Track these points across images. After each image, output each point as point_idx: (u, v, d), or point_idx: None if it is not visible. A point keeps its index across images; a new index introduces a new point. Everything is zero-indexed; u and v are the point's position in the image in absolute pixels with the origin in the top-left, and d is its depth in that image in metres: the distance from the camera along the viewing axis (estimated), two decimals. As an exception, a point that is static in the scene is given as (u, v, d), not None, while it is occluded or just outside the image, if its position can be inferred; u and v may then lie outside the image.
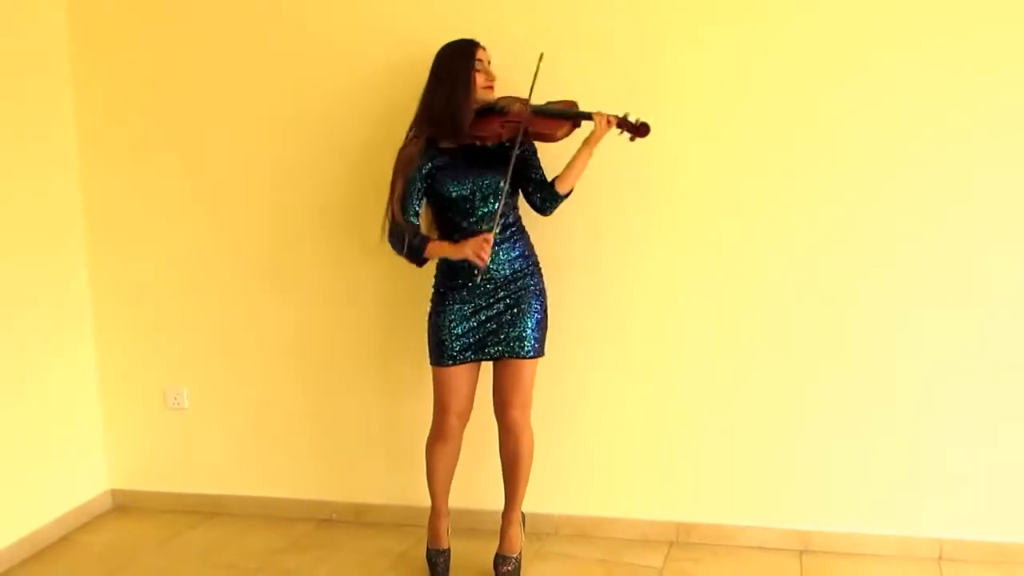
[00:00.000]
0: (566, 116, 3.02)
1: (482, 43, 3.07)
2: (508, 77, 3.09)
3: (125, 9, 3.68)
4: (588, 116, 3.00)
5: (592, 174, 3.12)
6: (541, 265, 3.17)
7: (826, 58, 3.16)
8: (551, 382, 3.44)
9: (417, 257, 3.07)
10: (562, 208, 3.12)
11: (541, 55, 2.93)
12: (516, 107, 3.02)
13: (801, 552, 3.34)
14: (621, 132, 3.00)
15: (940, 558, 3.25)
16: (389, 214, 3.07)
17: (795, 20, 3.17)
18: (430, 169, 3.05)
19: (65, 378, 3.73)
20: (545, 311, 3.12)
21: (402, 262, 3.17)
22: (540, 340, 3.09)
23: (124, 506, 3.92)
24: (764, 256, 3.29)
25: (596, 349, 3.45)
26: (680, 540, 3.45)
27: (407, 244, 3.05)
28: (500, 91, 3.09)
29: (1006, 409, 3.18)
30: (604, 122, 2.98)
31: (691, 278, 3.35)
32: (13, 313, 3.45)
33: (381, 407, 3.65)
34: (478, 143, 3.03)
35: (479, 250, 2.94)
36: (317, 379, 3.71)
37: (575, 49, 3.30)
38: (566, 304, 3.40)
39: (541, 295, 3.11)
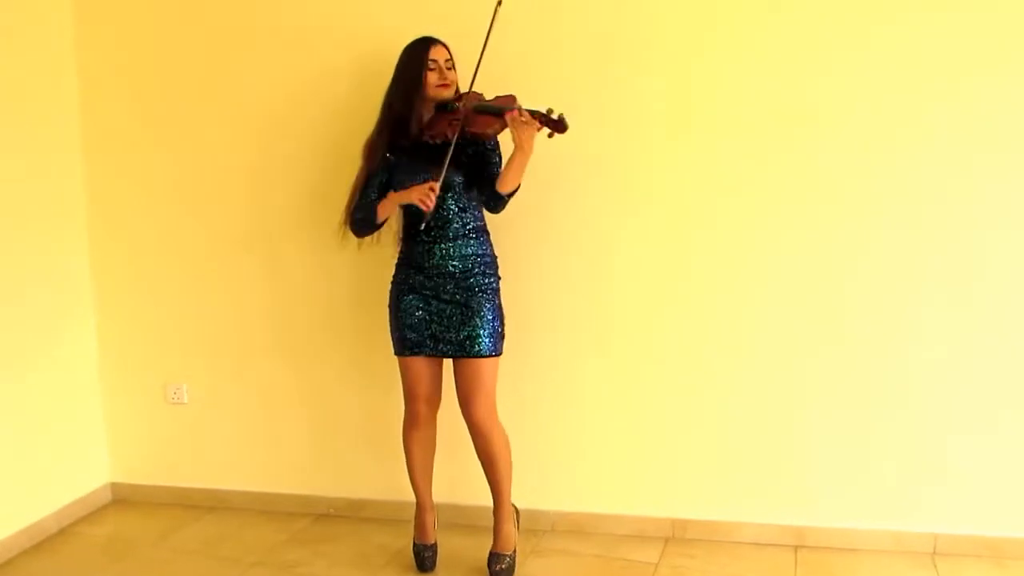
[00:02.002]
0: (494, 112, 3.00)
1: (444, 41, 3.09)
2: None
3: (130, 2, 3.72)
4: (507, 110, 2.94)
5: (578, 159, 3.14)
6: (526, 263, 3.22)
7: (823, 49, 3.19)
8: (545, 379, 3.47)
9: (371, 219, 3.11)
10: (554, 197, 3.14)
11: (499, 3, 2.93)
12: (461, 104, 3.04)
13: (796, 547, 3.35)
14: (539, 128, 2.92)
15: (934, 552, 3.27)
16: (348, 203, 3.16)
17: (792, 10, 3.19)
18: (391, 162, 3.11)
19: (67, 372, 3.76)
20: (499, 311, 3.12)
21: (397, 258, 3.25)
22: (493, 339, 3.08)
23: (124, 499, 3.94)
24: (758, 252, 3.31)
25: (591, 345, 3.46)
26: (676, 536, 3.46)
27: (360, 213, 3.12)
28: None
29: (1001, 403, 3.20)
30: (519, 117, 2.90)
31: (686, 274, 3.37)
32: (15, 307, 3.47)
33: (379, 403, 3.66)
34: (430, 141, 3.06)
35: (424, 196, 2.96)
36: (316, 375, 3.73)
37: (560, 42, 3.33)
38: (559, 300, 3.43)
39: (494, 295, 3.11)
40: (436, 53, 3.07)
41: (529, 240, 3.28)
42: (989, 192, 3.14)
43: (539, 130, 2.92)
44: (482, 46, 2.94)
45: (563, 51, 3.33)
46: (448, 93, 3.09)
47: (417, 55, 3.07)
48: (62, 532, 3.64)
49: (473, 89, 3.05)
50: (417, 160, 3.07)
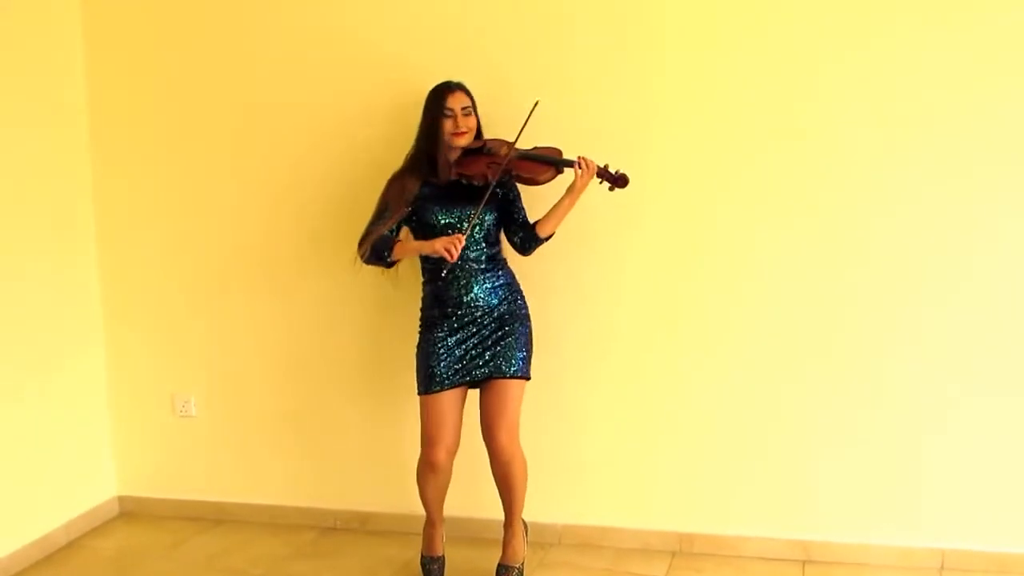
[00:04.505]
0: (550, 162, 3.10)
1: (465, 85, 3.13)
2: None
3: (139, 8, 3.73)
4: (570, 163, 3.07)
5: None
6: (531, 280, 3.25)
7: (816, 56, 3.20)
8: (553, 393, 3.47)
9: (382, 254, 3.10)
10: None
11: (536, 102, 3.05)
12: (503, 150, 3.11)
13: (803, 562, 3.34)
14: (601, 182, 3.08)
15: (942, 568, 3.26)
16: (365, 233, 3.13)
17: (788, 17, 3.20)
18: (416, 196, 3.13)
19: (74, 385, 3.77)
20: (530, 335, 3.17)
21: (407, 274, 3.28)
22: (526, 362, 3.14)
23: (131, 512, 3.95)
24: (764, 265, 3.31)
25: (598, 359, 3.47)
26: (683, 550, 3.46)
27: (373, 244, 3.09)
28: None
29: (1008, 418, 3.19)
30: (586, 170, 3.04)
31: (692, 289, 3.37)
32: (23, 319, 3.49)
33: (386, 417, 3.67)
34: (464, 181, 3.11)
35: (450, 245, 2.98)
36: (323, 389, 3.74)
37: (563, 51, 3.35)
38: (563, 316, 3.43)
39: (526, 319, 3.18)
40: (452, 101, 3.10)
41: (536, 257, 3.28)
42: (992, 202, 3.13)
43: (600, 183, 3.07)
44: (521, 128, 3.05)
45: (566, 60, 3.35)
46: (463, 141, 3.13)
47: (436, 102, 3.11)
48: (70, 545, 3.65)
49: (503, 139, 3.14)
50: (451, 197, 3.12)
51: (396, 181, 3.15)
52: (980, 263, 3.16)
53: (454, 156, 3.16)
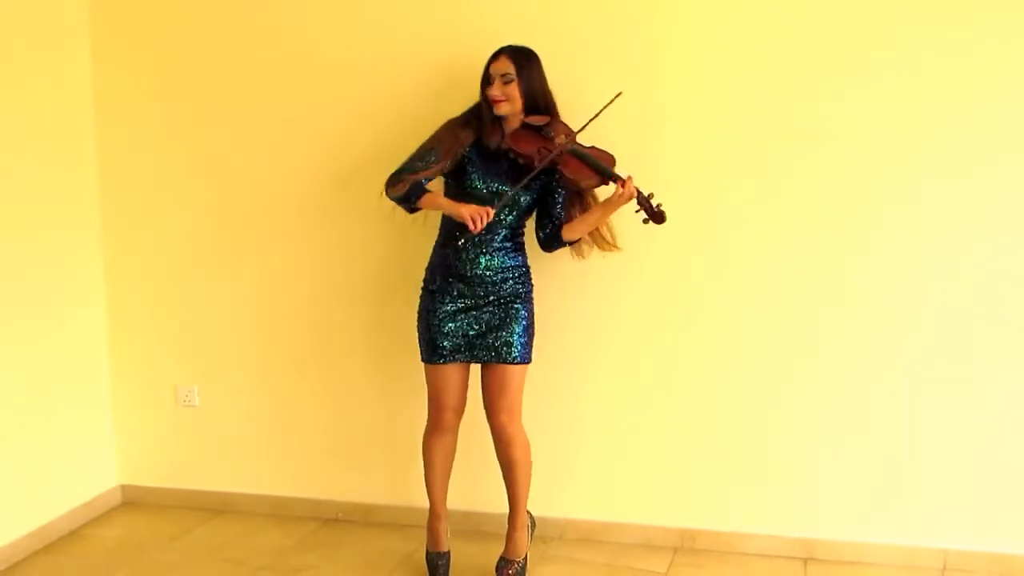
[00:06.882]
0: (598, 170, 3.01)
1: (516, 48, 3.04)
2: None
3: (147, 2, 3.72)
4: (617, 179, 2.99)
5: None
6: (538, 270, 3.23)
7: (823, 56, 3.18)
8: (557, 387, 3.47)
9: (412, 199, 3.06)
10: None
11: (619, 93, 2.95)
12: (560, 139, 3.00)
13: (806, 560, 3.35)
14: (638, 210, 3.01)
15: (944, 568, 3.26)
16: (401, 167, 3.07)
17: (794, 17, 3.19)
18: (467, 153, 3.08)
19: (77, 374, 3.76)
20: (532, 319, 3.15)
21: (412, 266, 3.26)
22: (527, 347, 3.12)
23: (133, 501, 3.95)
24: (768, 262, 3.31)
25: (601, 354, 3.46)
26: (685, 546, 3.46)
27: (409, 185, 3.03)
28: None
29: (1011, 417, 3.18)
30: (627, 193, 2.97)
31: (694, 284, 3.37)
32: (26, 307, 3.47)
33: (390, 408, 3.67)
34: (511, 155, 3.02)
35: (476, 215, 2.94)
36: (327, 379, 3.74)
37: (574, 44, 3.33)
38: (568, 309, 3.43)
39: (529, 303, 3.14)
40: (494, 67, 3.03)
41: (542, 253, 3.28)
42: (993, 202, 3.12)
43: (636, 211, 3.00)
44: (589, 119, 2.94)
45: (574, 67, 3.31)
46: (500, 109, 3.03)
47: (485, 68, 3.06)
48: (72, 534, 3.65)
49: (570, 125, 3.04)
50: (495, 166, 3.06)
51: (452, 128, 3.09)
52: (981, 263, 3.15)
53: (509, 126, 3.07)
